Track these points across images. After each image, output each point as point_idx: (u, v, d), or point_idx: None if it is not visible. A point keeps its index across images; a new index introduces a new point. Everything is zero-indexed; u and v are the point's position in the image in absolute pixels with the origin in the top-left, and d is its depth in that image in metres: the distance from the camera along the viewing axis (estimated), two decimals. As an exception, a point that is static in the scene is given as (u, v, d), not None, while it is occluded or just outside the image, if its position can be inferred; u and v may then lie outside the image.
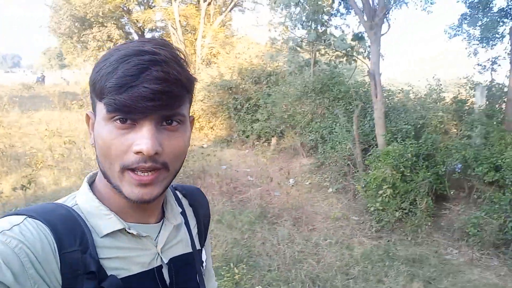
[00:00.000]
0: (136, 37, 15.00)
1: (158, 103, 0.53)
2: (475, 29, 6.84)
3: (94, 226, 0.59)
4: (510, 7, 6.27)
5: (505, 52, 6.35)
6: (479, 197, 4.74)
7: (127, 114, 0.53)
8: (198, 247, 0.76)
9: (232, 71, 10.11)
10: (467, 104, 5.91)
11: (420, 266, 3.72)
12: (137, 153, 0.54)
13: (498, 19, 6.41)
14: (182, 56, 0.59)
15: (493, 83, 5.85)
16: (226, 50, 12.38)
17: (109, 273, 0.57)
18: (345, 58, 7.90)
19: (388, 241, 4.34)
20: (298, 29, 8.70)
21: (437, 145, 5.14)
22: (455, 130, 5.44)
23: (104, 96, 0.54)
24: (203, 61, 12.64)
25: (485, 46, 6.68)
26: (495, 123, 5.26)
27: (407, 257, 3.88)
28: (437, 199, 5.05)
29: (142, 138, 0.53)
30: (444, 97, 6.16)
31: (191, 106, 0.65)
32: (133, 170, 0.55)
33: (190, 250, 0.73)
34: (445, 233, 4.55)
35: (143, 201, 0.57)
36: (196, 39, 13.41)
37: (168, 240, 0.68)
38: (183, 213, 0.75)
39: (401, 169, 4.73)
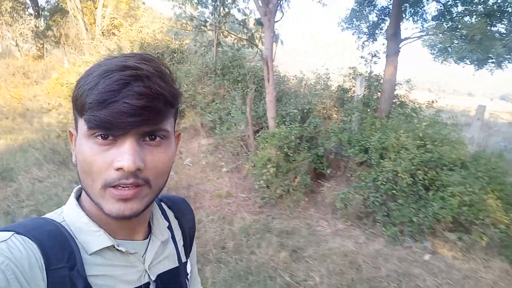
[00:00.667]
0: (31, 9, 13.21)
1: (139, 118, 0.52)
2: (362, 23, 7.52)
3: (82, 242, 0.58)
4: (390, 5, 7.00)
5: (384, 46, 7.10)
6: (351, 175, 5.31)
7: (107, 130, 0.52)
8: (184, 259, 0.77)
9: (133, 46, 9.58)
10: (349, 93, 6.53)
11: (291, 237, 4.07)
12: (118, 169, 0.53)
13: (380, 17, 7.14)
14: (167, 71, 0.58)
15: (372, 74, 6.56)
16: (128, 22, 11.63)
17: None
18: (246, 42, 8.04)
19: (268, 215, 4.64)
20: (203, 7, 8.56)
21: (319, 129, 5.60)
22: (336, 116, 5.99)
23: (84, 112, 0.53)
24: (103, 33, 11.72)
25: (369, 40, 7.40)
26: (369, 110, 5.90)
27: (282, 230, 4.20)
28: (317, 177, 5.54)
29: (123, 154, 0.53)
30: (332, 85, 6.71)
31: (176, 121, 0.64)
32: (114, 186, 0.54)
33: (176, 264, 0.73)
34: (320, 207, 5.03)
35: (124, 216, 0.56)
36: (96, 8, 12.34)
37: (155, 256, 0.68)
38: (169, 227, 0.75)
39: (285, 150, 5.06)
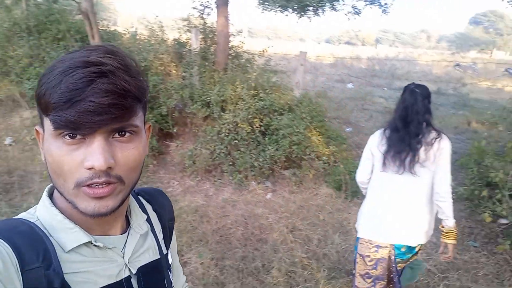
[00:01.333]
0: None
1: (106, 116, 0.51)
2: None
3: (58, 241, 0.58)
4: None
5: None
6: (197, 131, 5.36)
7: (75, 130, 0.51)
8: (165, 251, 0.77)
9: None
10: (186, 46, 6.37)
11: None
12: (90, 168, 0.52)
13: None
14: (133, 64, 0.57)
15: (206, 26, 6.50)
16: None
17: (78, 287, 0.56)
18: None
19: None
20: None
21: (159, 87, 5.36)
22: (176, 72, 5.83)
23: (49, 112, 0.52)
24: None
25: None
26: (207, 64, 5.91)
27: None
28: (165, 138, 5.41)
29: (93, 154, 0.52)
30: (168, 39, 6.41)
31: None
32: (88, 185, 0.53)
33: (158, 256, 0.73)
34: (169, 168, 4.98)
35: (100, 214, 0.55)
36: None
37: (135, 249, 0.68)
38: (148, 220, 0.75)
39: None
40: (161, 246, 0.77)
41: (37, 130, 0.61)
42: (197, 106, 5.14)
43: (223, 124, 4.78)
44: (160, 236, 0.79)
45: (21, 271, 0.52)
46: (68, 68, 0.51)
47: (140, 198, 0.79)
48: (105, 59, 0.53)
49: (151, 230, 0.76)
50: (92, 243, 0.61)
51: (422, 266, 2.47)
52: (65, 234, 0.59)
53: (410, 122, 2.01)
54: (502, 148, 4.54)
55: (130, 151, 0.57)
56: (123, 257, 0.66)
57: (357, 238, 2.19)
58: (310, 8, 7.03)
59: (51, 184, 0.62)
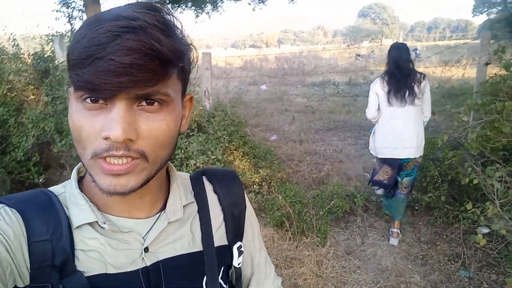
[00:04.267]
0: None
1: (126, 78, 0.42)
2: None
3: (71, 215, 0.54)
4: None
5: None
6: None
7: (92, 92, 0.44)
8: (219, 243, 0.63)
9: None
10: (52, 62, 4.77)
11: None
12: (106, 138, 0.45)
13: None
14: (176, 24, 0.49)
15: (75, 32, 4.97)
16: None
17: (83, 266, 0.52)
18: None
19: None
20: None
21: (10, 123, 3.74)
22: (34, 97, 4.24)
23: (70, 69, 0.45)
24: None
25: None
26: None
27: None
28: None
29: (110, 122, 0.44)
30: (23, 54, 4.73)
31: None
32: (104, 158, 0.46)
33: (198, 249, 0.61)
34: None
35: (117, 193, 0.48)
36: None
37: (162, 237, 0.57)
38: (202, 203, 0.64)
39: None
40: (210, 236, 0.62)
41: (70, 91, 0.51)
42: (68, 141, 3.64)
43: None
44: (217, 223, 0.65)
45: (27, 242, 0.49)
46: (95, 21, 0.44)
47: (204, 178, 0.68)
48: (140, 14, 0.44)
49: (201, 215, 0.63)
50: (98, 224, 0.53)
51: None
52: (77, 210, 0.54)
53: (401, 67, 2.80)
54: (454, 140, 3.92)
55: (156, 123, 0.48)
56: (143, 245, 0.55)
57: (379, 158, 3.06)
58: (208, 2, 5.93)
59: None
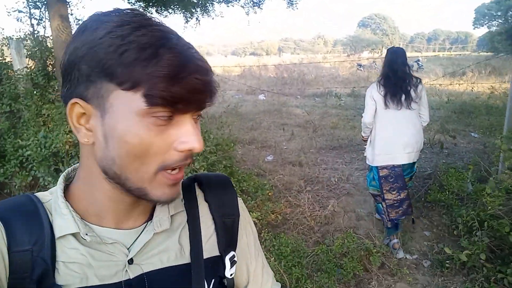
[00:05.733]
0: None
1: (206, 95, 0.48)
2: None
3: (54, 225, 0.52)
4: None
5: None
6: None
7: (175, 107, 0.46)
8: (209, 255, 0.61)
9: None
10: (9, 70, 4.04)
11: None
12: (183, 151, 0.48)
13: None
14: None
15: (37, 35, 4.26)
16: None
17: (63, 279, 0.50)
18: None
19: None
20: None
21: None
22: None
23: (141, 85, 0.44)
24: None
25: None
26: (36, 92, 3.67)
27: None
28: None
29: (190, 135, 0.48)
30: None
31: None
32: (169, 168, 0.49)
33: (186, 261, 0.58)
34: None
35: (172, 200, 0.52)
36: None
37: (147, 249, 0.56)
38: (192, 212, 0.62)
39: None
40: (199, 247, 0.60)
41: (75, 103, 0.49)
42: (10, 167, 2.91)
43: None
44: (208, 233, 0.63)
45: (7, 251, 0.48)
46: (161, 38, 0.45)
47: (196, 184, 0.66)
48: (173, 31, 0.49)
49: (190, 226, 0.61)
50: (80, 235, 0.52)
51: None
52: (60, 220, 0.52)
53: (397, 71, 2.83)
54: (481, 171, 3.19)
55: (199, 135, 0.51)
56: (127, 256, 0.54)
57: (375, 168, 2.94)
58: (196, 5, 5.24)
59: (72, 167, 0.59)
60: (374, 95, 2.86)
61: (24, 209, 0.52)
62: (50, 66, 4.17)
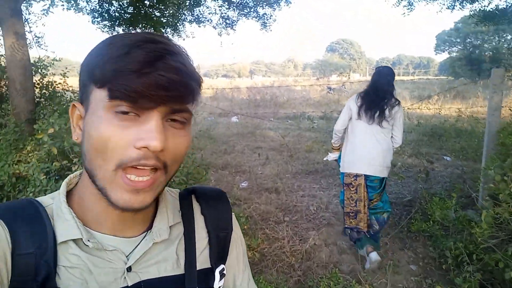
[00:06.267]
0: None
1: (172, 93, 0.47)
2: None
3: (56, 230, 0.53)
4: None
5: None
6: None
7: (135, 102, 0.46)
8: (201, 266, 0.62)
9: None
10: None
11: None
12: (141, 148, 0.47)
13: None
14: (188, 54, 0.54)
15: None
16: None
17: (64, 284, 0.51)
18: None
19: None
20: None
21: None
22: None
23: (108, 81, 0.47)
24: None
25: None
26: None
27: None
28: None
29: (150, 132, 0.46)
30: None
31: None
32: (130, 168, 0.48)
33: (181, 271, 0.60)
34: None
35: (133, 209, 0.50)
36: None
37: (146, 258, 0.57)
38: (189, 224, 0.63)
39: None
40: (193, 259, 0.61)
41: (74, 105, 0.55)
42: None
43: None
44: (202, 246, 0.64)
45: (11, 254, 0.49)
46: (136, 41, 0.47)
47: (193, 197, 0.67)
48: (169, 41, 0.50)
49: (186, 237, 0.62)
50: (82, 241, 0.53)
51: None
52: (62, 225, 0.53)
53: (379, 90, 2.93)
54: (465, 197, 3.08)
55: (181, 139, 0.52)
56: (126, 264, 0.55)
57: (342, 173, 3.11)
58: (166, 25, 5.02)
59: (79, 172, 0.60)
60: (351, 105, 3.02)
61: (27, 212, 0.53)
62: (4, 87, 3.80)
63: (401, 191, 4.49)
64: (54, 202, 0.56)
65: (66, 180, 0.58)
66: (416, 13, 11.19)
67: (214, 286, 0.63)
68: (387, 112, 2.88)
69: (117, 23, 5.95)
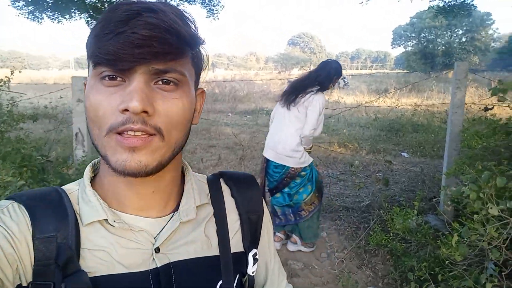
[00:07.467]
0: None
1: (146, 49, 0.44)
2: None
3: (81, 213, 0.54)
4: None
5: None
6: None
7: (112, 63, 0.45)
8: (235, 249, 0.62)
9: None
10: None
11: None
12: (124, 111, 0.45)
13: None
14: (190, 17, 0.50)
15: None
16: None
17: (88, 266, 0.50)
18: None
19: None
20: None
21: None
22: None
23: (92, 49, 0.46)
24: None
25: None
26: None
27: None
28: None
29: (129, 93, 0.45)
30: None
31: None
32: (120, 133, 0.46)
33: (213, 253, 0.59)
34: None
35: (131, 170, 0.47)
36: None
37: (174, 238, 0.56)
38: (220, 207, 0.63)
39: None
40: (227, 241, 0.61)
41: (85, 84, 0.54)
42: None
43: None
44: (234, 228, 0.63)
45: (32, 238, 0.49)
46: (115, 6, 0.47)
47: (221, 180, 0.67)
48: (157, 3, 0.48)
49: (218, 219, 0.62)
50: (108, 222, 0.53)
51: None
52: (87, 208, 0.53)
53: (307, 79, 2.95)
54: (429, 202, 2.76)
55: (172, 101, 0.49)
56: (153, 245, 0.54)
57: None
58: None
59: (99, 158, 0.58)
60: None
61: (49, 198, 0.53)
62: None
63: (358, 194, 4.16)
64: (79, 187, 0.56)
65: (90, 164, 0.58)
66: (374, 4, 11.10)
67: (248, 271, 0.63)
68: (300, 98, 2.85)
69: (48, 9, 5.18)
